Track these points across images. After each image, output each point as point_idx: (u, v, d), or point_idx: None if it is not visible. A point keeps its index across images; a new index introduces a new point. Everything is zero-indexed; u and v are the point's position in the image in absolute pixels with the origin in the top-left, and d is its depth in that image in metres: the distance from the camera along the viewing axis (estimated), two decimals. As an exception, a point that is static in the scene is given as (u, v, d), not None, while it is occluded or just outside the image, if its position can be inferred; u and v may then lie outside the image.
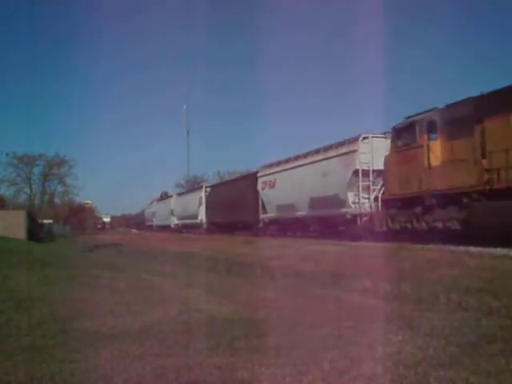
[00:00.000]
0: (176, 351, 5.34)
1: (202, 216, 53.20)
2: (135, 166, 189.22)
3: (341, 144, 27.56)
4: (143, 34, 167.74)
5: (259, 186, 37.09)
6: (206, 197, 52.54)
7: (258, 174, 37.90)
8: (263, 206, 36.75)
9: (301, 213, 31.19)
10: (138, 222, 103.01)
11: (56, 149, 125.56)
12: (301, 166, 31.39)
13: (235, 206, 41.57)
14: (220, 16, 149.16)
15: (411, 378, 4.30)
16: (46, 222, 60.52)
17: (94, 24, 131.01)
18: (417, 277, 10.01)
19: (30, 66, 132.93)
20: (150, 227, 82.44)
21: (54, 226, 65.47)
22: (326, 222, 29.25)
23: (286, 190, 32.73)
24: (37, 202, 76.21)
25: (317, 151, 30.16)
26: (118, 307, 8.15)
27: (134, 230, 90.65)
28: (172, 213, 67.13)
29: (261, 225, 37.43)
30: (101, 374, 4.68)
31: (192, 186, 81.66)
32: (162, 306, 8.29)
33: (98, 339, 5.95)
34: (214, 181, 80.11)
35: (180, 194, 69.55)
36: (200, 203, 53.50)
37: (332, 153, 27.96)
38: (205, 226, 52.43)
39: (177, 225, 64.99)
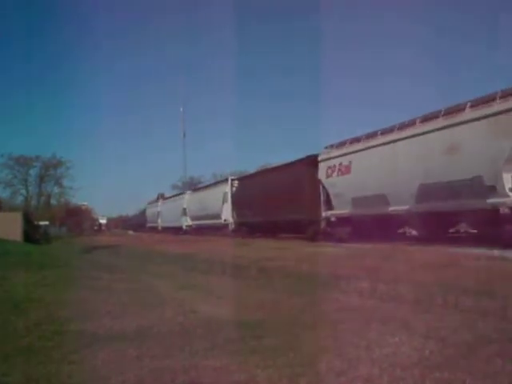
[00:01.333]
0: (173, 353, 5.35)
1: (226, 215, 44.08)
2: (132, 168, 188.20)
3: (486, 100, 18.11)
4: (142, 38, 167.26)
5: (321, 173, 27.27)
6: (233, 192, 43.25)
7: (321, 158, 27.90)
8: (327, 200, 27.12)
9: (398, 207, 21.90)
10: (136, 223, 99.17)
11: (52, 150, 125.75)
12: (399, 140, 22.08)
13: (279, 202, 31.86)
14: (216, 20, 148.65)
15: (408, 379, 4.32)
16: (42, 223, 60.30)
17: (92, 27, 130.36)
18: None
19: (28, 68, 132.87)
20: (154, 229, 75.49)
21: (51, 228, 65.33)
22: (447, 220, 21.17)
23: (371, 175, 23.54)
24: (33, 203, 76.36)
25: (432, 116, 20.69)
26: (115, 308, 8.16)
27: (130, 232, 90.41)
28: (184, 212, 57.92)
29: (322, 225, 27.58)
30: (98, 375, 4.70)
31: (189, 187, 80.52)
32: (159, 307, 8.29)
33: (96, 340, 5.95)
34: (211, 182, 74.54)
35: (195, 190, 60.33)
36: (224, 200, 44.38)
37: (468, 115, 18.37)
38: (231, 227, 43.21)
39: (190, 226, 56.37)
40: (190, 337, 6.10)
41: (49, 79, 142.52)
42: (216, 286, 11.34)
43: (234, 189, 43.50)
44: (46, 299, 9.24)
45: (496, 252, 14.00)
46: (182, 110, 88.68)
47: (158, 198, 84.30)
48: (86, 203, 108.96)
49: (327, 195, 27.05)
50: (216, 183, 52.01)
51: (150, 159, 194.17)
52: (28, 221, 44.37)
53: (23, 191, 76.43)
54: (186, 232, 55.73)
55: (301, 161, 30.87)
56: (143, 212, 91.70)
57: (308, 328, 6.41)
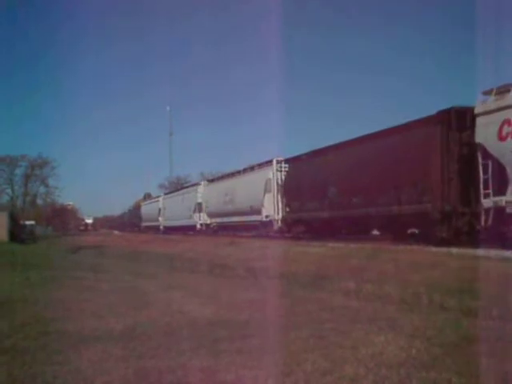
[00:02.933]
0: (158, 353, 5.33)
1: (269, 210, 32.35)
2: (118, 168, 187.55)
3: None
4: (129, 35, 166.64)
5: (485, 134, 16.44)
6: (281, 178, 31.91)
7: (484, 108, 16.75)
8: (498, 179, 16.02)
9: None
10: (126, 222, 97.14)
11: (38, 150, 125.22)
12: None
13: (381, 186, 21.26)
14: (205, 21, 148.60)
15: (394, 378, 4.33)
16: (28, 223, 60.00)
17: (78, 24, 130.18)
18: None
19: (11, 67, 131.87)
20: (152, 229, 66.00)
21: (37, 228, 64.98)
22: None
23: None
24: (19, 203, 75.67)
25: None
26: (100, 309, 8.11)
27: (116, 232, 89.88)
28: (199, 208, 46.18)
29: (482, 222, 16.41)
30: (83, 375, 4.67)
31: (175, 186, 79.29)
32: (144, 307, 8.26)
33: (81, 341, 5.92)
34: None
35: (214, 180, 48.32)
36: (266, 189, 32.72)
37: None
38: (277, 224, 32.00)
39: (208, 224, 44.84)
40: (176, 337, 6.09)
41: (33, 78, 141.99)
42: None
43: (283, 174, 32.06)
44: (31, 299, 9.17)
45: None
46: (168, 108, 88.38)
47: (144, 198, 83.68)
48: (71, 203, 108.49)
49: (497, 170, 16.09)
50: (251, 168, 38.58)
51: (136, 159, 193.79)
52: (13, 220, 44.13)
53: (9, 191, 75.74)
54: (200, 231, 45.33)
55: (426, 120, 19.65)
56: (134, 210, 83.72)
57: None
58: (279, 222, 31.67)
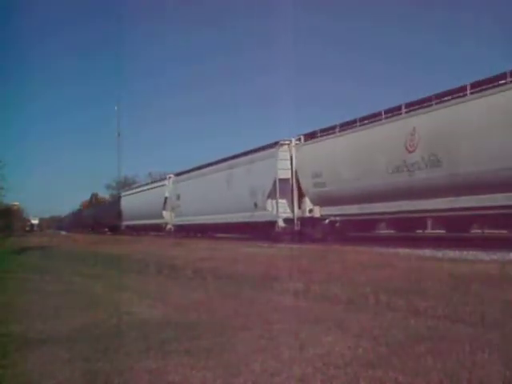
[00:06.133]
0: (106, 355, 5.27)
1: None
2: (65, 168, 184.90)
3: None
4: (75, 34, 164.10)
5: None
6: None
7: None
8: None
9: None
10: (73, 222, 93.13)
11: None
12: None
13: None
14: (151, 16, 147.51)
15: (341, 378, 4.38)
16: (-30, 223, 58.43)
17: (22, 23, 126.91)
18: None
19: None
20: (148, 229, 50.65)
21: (-20, 228, 63.30)
22: None
23: None
24: (-39, 203, 73.53)
25: None
26: (46, 311, 7.97)
27: (63, 232, 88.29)
28: (270, 193, 27.20)
29: None
30: (29, 379, 4.58)
31: (123, 187, 77.48)
32: (92, 309, 8.15)
33: (26, 344, 5.80)
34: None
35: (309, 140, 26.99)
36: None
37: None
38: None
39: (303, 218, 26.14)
40: (124, 339, 6.04)
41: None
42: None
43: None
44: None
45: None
46: (116, 108, 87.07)
47: (91, 198, 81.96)
48: (17, 203, 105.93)
49: None
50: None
51: (83, 160, 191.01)
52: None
53: (-49, 190, 73.48)
54: (278, 235, 25.95)
55: None
56: (118, 201, 64.32)
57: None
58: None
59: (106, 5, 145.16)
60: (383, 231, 25.02)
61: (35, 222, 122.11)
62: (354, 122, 22.90)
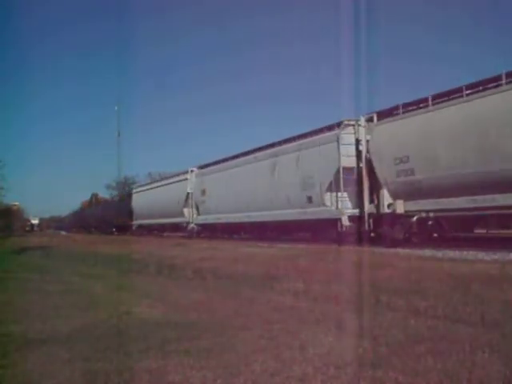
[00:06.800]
0: (106, 355, 5.26)
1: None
2: (64, 169, 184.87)
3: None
4: (75, 34, 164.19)
5: None
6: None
7: None
8: None
9: None
10: (73, 222, 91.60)
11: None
12: None
13: None
14: (152, 18, 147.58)
15: (341, 378, 4.38)
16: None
17: (20, 25, 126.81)
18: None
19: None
20: (173, 229, 43.25)
21: (-20, 229, 63.30)
22: None
23: None
24: (-38, 203, 73.55)
25: None
26: (46, 311, 7.97)
27: (63, 233, 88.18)
28: (336, 185, 22.29)
29: None
30: (29, 379, 4.58)
31: (123, 187, 76.15)
32: (92, 309, 8.15)
33: (26, 344, 5.80)
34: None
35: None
36: None
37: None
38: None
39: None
40: (124, 338, 6.04)
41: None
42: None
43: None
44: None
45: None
46: (116, 108, 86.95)
47: (91, 199, 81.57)
48: (17, 203, 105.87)
49: None
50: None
51: (83, 160, 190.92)
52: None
53: (-48, 190, 73.44)
54: (342, 236, 21.51)
55: None
56: (129, 197, 59.41)
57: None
58: None
59: (107, 5, 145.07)
60: (493, 231, 20.11)
61: (35, 222, 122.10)
62: (458, 90, 17.46)
